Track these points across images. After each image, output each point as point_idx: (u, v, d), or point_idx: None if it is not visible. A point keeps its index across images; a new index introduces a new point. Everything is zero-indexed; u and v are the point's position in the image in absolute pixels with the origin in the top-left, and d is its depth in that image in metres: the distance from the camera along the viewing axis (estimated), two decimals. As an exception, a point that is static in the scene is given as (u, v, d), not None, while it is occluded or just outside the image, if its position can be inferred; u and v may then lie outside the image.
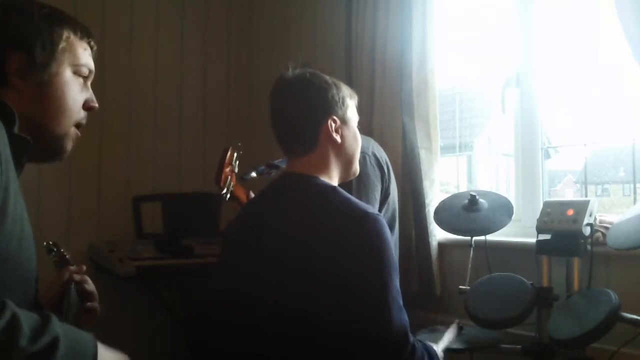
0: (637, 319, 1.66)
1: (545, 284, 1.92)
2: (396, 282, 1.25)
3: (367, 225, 1.25)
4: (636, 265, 1.89)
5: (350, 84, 2.62)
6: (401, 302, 1.25)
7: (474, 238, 2.08)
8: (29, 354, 0.77)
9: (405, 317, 1.24)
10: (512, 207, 2.08)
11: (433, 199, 2.39)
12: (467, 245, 2.09)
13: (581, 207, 1.85)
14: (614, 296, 1.65)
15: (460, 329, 1.86)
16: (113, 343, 0.97)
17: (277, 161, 1.84)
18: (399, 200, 2.19)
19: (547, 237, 1.92)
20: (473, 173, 3.16)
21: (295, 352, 1.28)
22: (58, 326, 0.84)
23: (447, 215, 2.13)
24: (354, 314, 1.22)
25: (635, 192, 2.24)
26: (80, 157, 2.77)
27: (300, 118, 1.38)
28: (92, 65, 1.13)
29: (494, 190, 2.37)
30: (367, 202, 1.85)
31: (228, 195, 1.70)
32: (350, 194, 1.38)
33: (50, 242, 1.28)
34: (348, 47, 2.72)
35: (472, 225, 2.05)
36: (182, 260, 2.62)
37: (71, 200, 2.87)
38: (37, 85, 1.04)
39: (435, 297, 2.37)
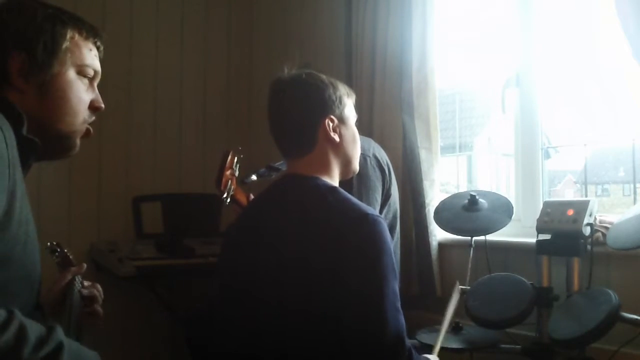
0: (637, 319, 1.66)
1: (545, 284, 1.92)
2: (393, 284, 1.24)
3: (366, 226, 1.25)
4: (636, 265, 1.89)
5: (350, 83, 2.64)
6: (398, 305, 1.24)
7: (474, 238, 2.08)
8: None
9: (402, 321, 1.23)
10: (512, 207, 2.08)
11: (433, 199, 2.39)
12: (467, 245, 2.09)
13: (581, 207, 1.85)
14: (614, 296, 1.66)
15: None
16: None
17: (277, 164, 1.84)
18: (399, 200, 2.19)
19: (547, 237, 1.92)
20: (473, 173, 3.16)
21: (295, 352, 1.28)
22: (63, 340, 0.83)
23: (447, 215, 2.14)
24: (351, 316, 1.22)
25: (635, 192, 2.24)
26: (80, 157, 2.75)
27: (298, 119, 1.38)
28: (97, 66, 1.13)
29: (494, 190, 2.37)
30: (368, 203, 1.85)
31: (228, 200, 1.70)
32: (352, 195, 1.38)
33: (54, 243, 1.28)
34: (348, 47, 2.72)
35: (472, 225, 2.05)
36: (182, 260, 2.62)
37: (71, 200, 2.87)
38: (39, 85, 1.03)
39: (435, 297, 2.37)
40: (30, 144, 0.98)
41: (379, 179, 1.98)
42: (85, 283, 1.25)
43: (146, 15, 3.12)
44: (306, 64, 1.44)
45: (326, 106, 1.38)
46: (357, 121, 1.49)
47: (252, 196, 1.80)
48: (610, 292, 1.68)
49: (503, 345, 1.94)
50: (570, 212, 1.86)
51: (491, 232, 2.07)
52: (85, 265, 1.28)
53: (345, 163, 1.43)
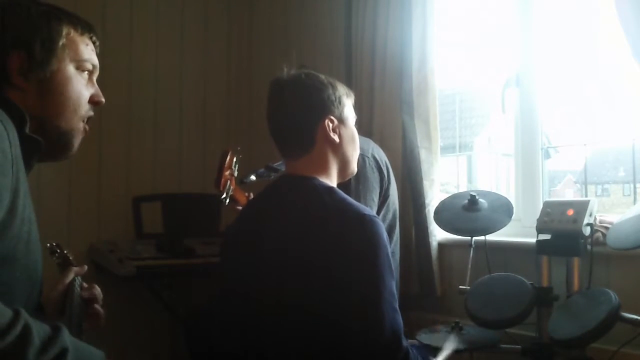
0: (637, 319, 1.66)
1: (545, 284, 1.92)
2: (391, 284, 1.24)
3: (363, 226, 1.25)
4: (636, 265, 1.89)
5: (350, 84, 2.64)
6: (396, 305, 1.24)
7: (474, 238, 2.08)
8: None
9: (399, 320, 1.23)
10: (512, 207, 2.08)
11: (433, 199, 2.39)
12: (467, 245, 2.09)
13: (581, 207, 1.85)
14: (614, 296, 1.65)
15: (460, 329, 1.86)
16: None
17: (276, 164, 1.84)
18: (399, 201, 2.19)
19: (547, 237, 1.92)
20: (473, 173, 3.17)
21: (295, 352, 1.28)
22: (68, 340, 0.83)
23: (447, 215, 2.13)
24: (348, 315, 1.22)
25: (635, 192, 2.24)
26: (80, 157, 2.75)
27: (297, 119, 1.37)
28: (95, 60, 1.13)
29: (494, 190, 2.37)
30: (366, 204, 1.85)
31: (228, 200, 1.70)
32: (349, 196, 1.38)
33: (54, 244, 1.28)
34: (348, 47, 2.72)
35: (472, 225, 2.05)
36: (182, 260, 2.62)
37: (71, 200, 2.87)
38: (39, 82, 1.04)
39: (435, 297, 2.37)
40: (34, 142, 0.99)
41: (377, 180, 1.98)
42: (84, 285, 1.25)
43: (146, 15, 3.12)
44: (302, 65, 1.43)
45: (325, 106, 1.38)
46: (356, 121, 1.49)
47: (251, 196, 1.80)
48: (610, 292, 1.68)
49: (503, 345, 1.94)
50: (570, 212, 1.86)
51: (491, 232, 2.07)
52: (86, 267, 1.28)
53: (344, 164, 1.43)
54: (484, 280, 2.01)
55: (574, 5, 2.39)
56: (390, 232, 2.03)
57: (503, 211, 2.06)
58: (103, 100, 1.14)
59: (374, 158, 2.01)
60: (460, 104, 2.99)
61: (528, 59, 2.34)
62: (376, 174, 1.98)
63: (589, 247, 1.86)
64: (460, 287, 2.05)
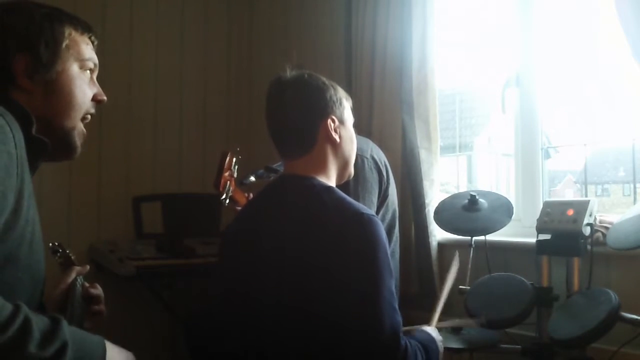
0: (637, 319, 1.66)
1: (545, 284, 1.92)
2: (390, 283, 1.24)
3: (362, 225, 1.25)
4: (636, 265, 1.89)
5: (350, 84, 2.65)
6: (395, 304, 1.24)
7: (474, 238, 2.08)
8: (37, 358, 0.78)
9: (398, 318, 1.23)
10: (512, 207, 2.08)
11: (433, 199, 2.39)
12: (467, 245, 2.09)
13: (581, 207, 1.85)
14: (614, 296, 1.66)
15: (460, 329, 1.86)
16: (113, 343, 0.97)
17: (275, 165, 1.84)
18: (398, 201, 2.18)
19: (547, 237, 1.92)
20: (473, 173, 3.17)
21: (294, 352, 1.28)
22: (68, 331, 0.84)
23: (447, 215, 2.13)
24: (347, 314, 1.22)
25: (635, 192, 2.24)
26: (81, 157, 2.75)
27: (299, 118, 1.38)
28: (96, 59, 1.15)
29: (494, 190, 2.37)
30: (365, 205, 1.85)
31: (227, 201, 1.70)
32: (349, 196, 1.38)
33: (56, 244, 1.28)
34: (348, 47, 2.71)
35: (472, 225, 2.05)
36: (182, 260, 2.62)
37: (71, 200, 2.87)
38: (45, 84, 1.05)
39: (435, 297, 2.36)
40: (40, 144, 1.00)
41: (376, 181, 1.98)
42: (86, 284, 1.26)
43: (146, 15, 3.12)
44: (300, 65, 1.44)
45: (328, 106, 1.38)
46: (356, 122, 1.50)
47: (251, 196, 1.80)
48: (610, 292, 1.68)
49: (503, 345, 1.94)
50: (570, 212, 1.86)
51: (491, 232, 2.07)
52: (88, 267, 1.28)
53: (343, 165, 1.44)
54: (484, 280, 2.01)
55: (574, 5, 2.39)
56: (390, 232, 2.03)
57: (503, 211, 2.06)
58: (105, 98, 1.16)
59: (373, 159, 2.01)
60: (460, 104, 3.00)
61: (528, 59, 2.34)
62: (375, 175, 1.98)
63: (589, 247, 1.86)
64: (460, 287, 2.05)
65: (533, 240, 1.95)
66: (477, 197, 2.09)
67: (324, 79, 1.42)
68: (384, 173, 2.02)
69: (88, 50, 1.13)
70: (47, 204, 2.65)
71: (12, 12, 1.05)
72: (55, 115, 1.06)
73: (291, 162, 1.41)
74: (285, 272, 1.29)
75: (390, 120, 2.48)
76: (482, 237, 2.10)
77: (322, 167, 1.39)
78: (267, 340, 1.31)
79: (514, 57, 2.38)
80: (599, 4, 2.21)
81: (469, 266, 2.05)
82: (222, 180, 1.68)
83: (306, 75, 1.40)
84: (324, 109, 1.38)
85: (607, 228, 1.87)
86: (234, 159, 1.73)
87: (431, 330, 1.46)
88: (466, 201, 2.10)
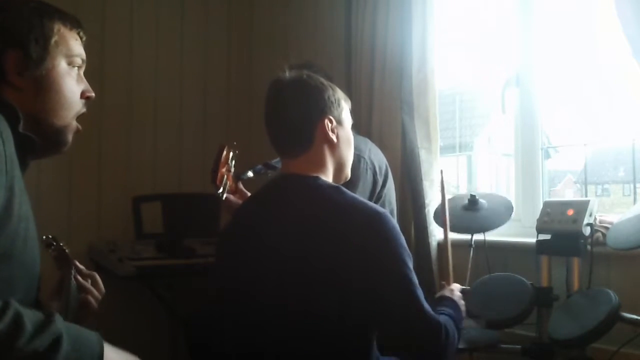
0: (637, 319, 1.66)
1: (545, 284, 1.93)
2: (412, 272, 1.27)
3: (383, 224, 1.27)
4: (636, 265, 1.89)
5: (349, 84, 2.65)
6: (421, 293, 1.28)
7: (474, 238, 2.08)
8: (30, 353, 0.77)
9: (428, 305, 1.28)
10: (512, 206, 2.08)
11: (433, 199, 2.39)
12: (467, 245, 2.09)
13: (581, 207, 1.85)
14: (614, 296, 1.66)
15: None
16: (113, 343, 0.97)
17: (274, 161, 1.84)
18: (398, 201, 2.18)
19: (547, 237, 1.92)
20: (473, 173, 3.17)
21: (295, 352, 1.28)
22: (62, 325, 0.83)
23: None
24: (384, 312, 1.25)
25: (635, 192, 2.24)
26: (80, 157, 2.76)
27: (298, 117, 1.38)
28: (84, 54, 1.14)
29: (494, 191, 2.37)
30: None
31: (224, 195, 1.69)
32: None
33: (50, 236, 1.27)
34: (348, 47, 2.71)
35: (472, 224, 2.05)
36: (182, 260, 2.61)
37: (71, 200, 2.87)
38: (34, 80, 1.04)
39: (435, 297, 2.36)
40: (28, 140, 0.99)
41: (369, 183, 1.98)
42: (84, 271, 1.24)
43: (146, 15, 3.11)
44: (306, 63, 1.44)
45: (326, 107, 1.39)
46: (355, 122, 1.51)
47: (248, 193, 1.80)
48: (610, 292, 1.68)
49: (503, 345, 1.94)
50: (570, 212, 1.86)
51: (491, 229, 2.06)
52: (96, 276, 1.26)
53: (339, 166, 1.44)
54: (484, 280, 2.01)
55: (574, 5, 2.39)
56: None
57: (503, 210, 2.06)
58: (93, 95, 1.15)
59: (370, 160, 2.01)
60: (460, 104, 3.00)
61: (528, 59, 2.34)
62: (369, 176, 1.98)
63: (589, 247, 1.86)
64: (461, 287, 2.05)
65: (533, 240, 1.95)
66: (477, 197, 2.09)
67: (322, 79, 1.43)
68: (380, 177, 2.02)
69: (77, 46, 1.12)
70: (47, 203, 2.65)
71: (1, 7, 1.05)
72: (46, 113, 1.05)
73: (289, 161, 1.41)
74: (288, 272, 1.29)
75: (390, 120, 2.48)
76: (482, 238, 2.10)
77: (321, 167, 1.39)
78: (267, 340, 1.31)
79: (514, 57, 2.38)
80: (599, 4, 2.21)
81: (469, 266, 2.05)
82: (219, 175, 1.67)
83: (305, 76, 1.41)
84: (322, 108, 1.38)
85: (607, 228, 1.87)
86: (231, 154, 1.72)
87: (449, 292, 1.53)
88: (466, 201, 2.10)
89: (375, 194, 2.01)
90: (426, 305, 1.25)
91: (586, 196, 2.43)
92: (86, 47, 1.17)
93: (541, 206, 2.02)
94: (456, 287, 1.59)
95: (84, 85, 1.13)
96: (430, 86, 2.42)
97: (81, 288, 1.21)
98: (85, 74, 1.16)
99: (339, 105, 1.42)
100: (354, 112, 1.52)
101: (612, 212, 2.20)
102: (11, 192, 0.89)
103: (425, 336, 1.24)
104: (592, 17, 2.28)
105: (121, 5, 3.04)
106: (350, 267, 1.23)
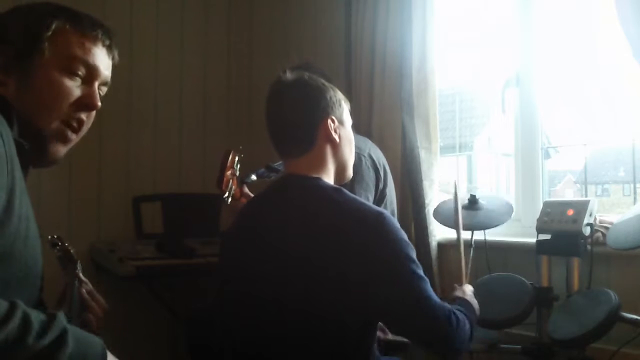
0: (637, 319, 1.66)
1: (545, 284, 1.92)
2: (419, 268, 1.29)
3: (383, 224, 1.27)
4: (636, 265, 1.89)
5: (350, 84, 2.65)
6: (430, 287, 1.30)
7: (474, 238, 2.08)
8: (37, 352, 0.78)
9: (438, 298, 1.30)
10: (512, 207, 2.08)
11: (433, 199, 2.39)
12: (467, 245, 2.09)
13: (581, 207, 1.85)
14: (614, 296, 1.66)
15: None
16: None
17: (276, 164, 1.85)
18: (398, 201, 2.18)
19: (547, 237, 1.92)
20: (473, 173, 3.17)
21: (295, 351, 1.29)
22: (66, 324, 0.83)
23: (447, 212, 2.13)
24: (393, 310, 1.26)
25: (635, 192, 2.24)
26: (80, 157, 2.76)
27: (300, 117, 1.39)
28: (93, 61, 1.06)
29: (493, 191, 2.37)
30: None
31: (229, 199, 1.70)
32: None
33: (55, 236, 1.27)
34: (348, 47, 2.71)
35: (472, 221, 2.05)
36: (182, 260, 2.61)
37: (71, 200, 2.87)
38: (18, 78, 1.00)
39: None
40: (19, 147, 0.95)
41: (373, 180, 1.98)
42: (86, 287, 1.24)
43: (146, 15, 3.11)
44: (307, 62, 1.44)
45: (328, 107, 1.40)
46: (356, 122, 1.52)
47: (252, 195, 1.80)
48: (610, 292, 1.68)
49: (503, 345, 1.94)
50: (570, 212, 1.86)
51: (491, 227, 2.06)
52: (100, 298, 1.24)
53: (341, 166, 1.45)
54: (484, 280, 2.01)
55: (574, 5, 2.39)
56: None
57: (503, 210, 2.06)
58: (97, 103, 1.08)
59: (371, 158, 2.01)
60: (460, 104, 3.00)
61: (528, 59, 2.34)
62: (372, 173, 1.98)
63: (589, 247, 1.86)
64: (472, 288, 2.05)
65: (533, 240, 1.95)
66: (477, 197, 2.09)
67: (323, 80, 1.44)
68: (381, 173, 2.02)
69: (80, 50, 1.05)
70: (47, 203, 2.65)
71: (13, 10, 1.04)
72: (29, 113, 1.00)
73: (292, 161, 1.41)
74: (290, 272, 1.29)
75: (390, 120, 2.48)
76: (482, 237, 2.10)
77: (323, 167, 1.40)
78: (268, 340, 1.31)
79: (514, 57, 2.38)
80: (599, 4, 2.21)
81: (469, 266, 2.05)
82: (225, 179, 1.68)
83: (306, 76, 1.42)
84: (324, 109, 1.39)
85: (607, 228, 1.87)
86: (237, 158, 1.73)
87: (461, 293, 1.55)
88: (466, 201, 2.10)
89: (379, 192, 2.01)
90: (435, 297, 1.27)
91: (586, 196, 2.44)
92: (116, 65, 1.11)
93: (541, 206, 2.02)
94: (468, 289, 1.60)
95: (85, 91, 1.06)
96: (430, 86, 2.42)
97: (84, 304, 1.20)
98: None
99: (339, 105, 1.43)
100: (353, 112, 1.52)
101: (612, 212, 2.20)
102: (12, 192, 0.89)
103: (435, 326, 1.26)
104: (592, 17, 2.28)
105: (121, 5, 3.04)
106: (351, 268, 1.24)
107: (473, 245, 2.08)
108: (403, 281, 1.26)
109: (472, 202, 2.08)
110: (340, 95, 1.45)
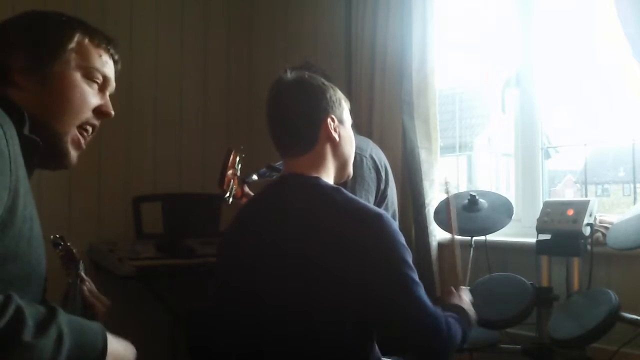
0: (637, 319, 1.66)
1: (545, 284, 1.92)
2: (414, 271, 1.28)
3: (381, 225, 1.27)
4: (636, 265, 1.89)
5: (350, 84, 2.65)
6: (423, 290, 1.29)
7: (474, 238, 2.08)
8: (33, 347, 0.77)
9: (430, 302, 1.28)
10: (512, 207, 2.08)
11: (433, 199, 2.39)
12: (467, 245, 2.09)
13: (581, 207, 1.85)
14: (614, 296, 1.66)
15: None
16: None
17: (277, 164, 1.85)
18: (398, 200, 2.18)
19: (547, 237, 1.92)
20: (473, 173, 3.17)
21: (295, 351, 1.29)
22: (65, 319, 0.83)
23: (447, 214, 2.13)
24: (385, 312, 1.26)
25: (635, 192, 2.24)
26: (81, 157, 2.76)
27: (301, 116, 1.39)
28: (108, 72, 1.12)
29: (494, 190, 2.37)
30: None
31: (231, 199, 1.70)
32: None
33: (57, 236, 1.27)
34: (348, 47, 2.72)
35: (472, 226, 2.05)
36: (182, 260, 2.62)
37: (71, 200, 2.87)
38: (39, 80, 1.03)
39: (435, 297, 2.36)
40: (32, 143, 0.98)
41: (374, 181, 1.98)
42: (88, 286, 1.25)
43: (146, 15, 3.11)
44: (307, 62, 1.44)
45: (328, 106, 1.40)
46: (356, 122, 1.52)
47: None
48: (610, 292, 1.68)
49: (503, 345, 1.94)
50: (570, 212, 1.86)
51: (491, 232, 2.06)
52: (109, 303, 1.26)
53: (342, 165, 1.45)
54: (484, 280, 2.01)
55: (574, 5, 2.39)
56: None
57: (503, 211, 2.06)
58: (111, 112, 1.13)
59: (372, 158, 2.01)
60: (460, 104, 3.00)
61: (528, 58, 2.34)
62: (373, 174, 1.98)
63: (589, 247, 1.86)
64: (461, 287, 2.05)
65: (533, 240, 1.95)
66: (477, 197, 2.09)
67: (323, 79, 1.44)
68: (383, 174, 2.02)
69: (99, 61, 1.11)
70: (47, 203, 2.65)
71: (29, 16, 1.07)
72: (49, 116, 1.04)
73: (292, 160, 1.41)
74: (290, 272, 1.29)
75: (390, 120, 2.48)
76: (482, 237, 2.10)
77: (323, 166, 1.40)
78: (267, 341, 1.31)
79: (514, 57, 2.39)
80: (599, 4, 2.21)
81: (469, 266, 2.05)
82: (226, 179, 1.68)
83: (307, 76, 1.42)
84: (324, 108, 1.39)
85: (607, 228, 1.87)
86: (238, 157, 1.73)
87: (457, 300, 1.51)
88: (466, 201, 2.10)
89: (380, 192, 2.01)
90: (428, 302, 1.26)
91: (586, 196, 2.44)
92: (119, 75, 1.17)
93: (541, 206, 2.02)
94: (465, 295, 1.56)
95: (102, 100, 1.12)
96: (430, 86, 2.42)
97: (87, 303, 1.21)
98: None
99: (340, 104, 1.43)
100: (354, 112, 1.52)
101: (612, 212, 2.20)
102: (16, 192, 0.89)
103: (427, 332, 1.25)
104: (592, 16, 2.28)
105: (121, 5, 3.04)
106: (349, 268, 1.24)
107: (473, 246, 2.08)
108: (396, 283, 1.25)
109: (472, 203, 2.08)
110: (340, 94, 1.45)
